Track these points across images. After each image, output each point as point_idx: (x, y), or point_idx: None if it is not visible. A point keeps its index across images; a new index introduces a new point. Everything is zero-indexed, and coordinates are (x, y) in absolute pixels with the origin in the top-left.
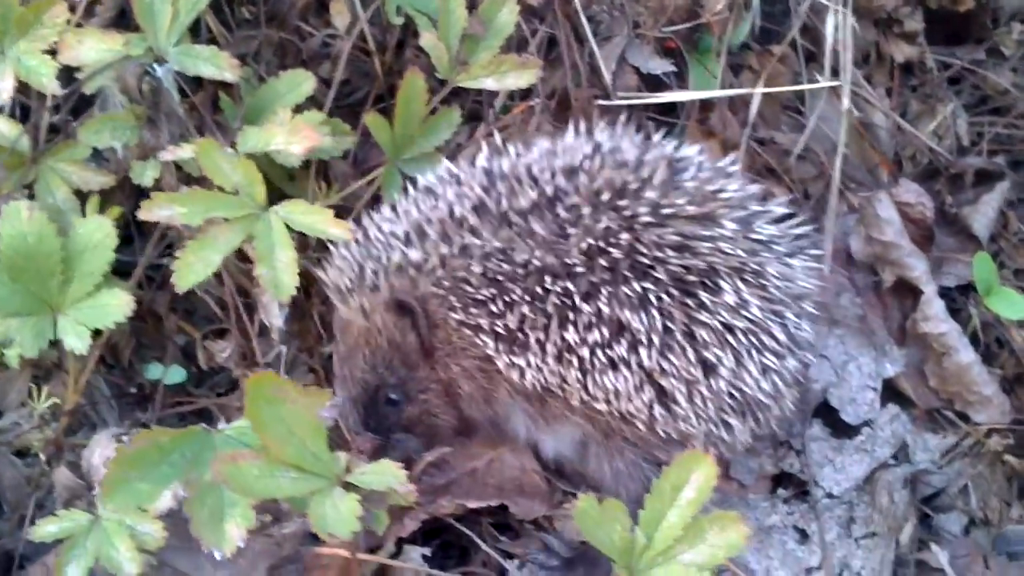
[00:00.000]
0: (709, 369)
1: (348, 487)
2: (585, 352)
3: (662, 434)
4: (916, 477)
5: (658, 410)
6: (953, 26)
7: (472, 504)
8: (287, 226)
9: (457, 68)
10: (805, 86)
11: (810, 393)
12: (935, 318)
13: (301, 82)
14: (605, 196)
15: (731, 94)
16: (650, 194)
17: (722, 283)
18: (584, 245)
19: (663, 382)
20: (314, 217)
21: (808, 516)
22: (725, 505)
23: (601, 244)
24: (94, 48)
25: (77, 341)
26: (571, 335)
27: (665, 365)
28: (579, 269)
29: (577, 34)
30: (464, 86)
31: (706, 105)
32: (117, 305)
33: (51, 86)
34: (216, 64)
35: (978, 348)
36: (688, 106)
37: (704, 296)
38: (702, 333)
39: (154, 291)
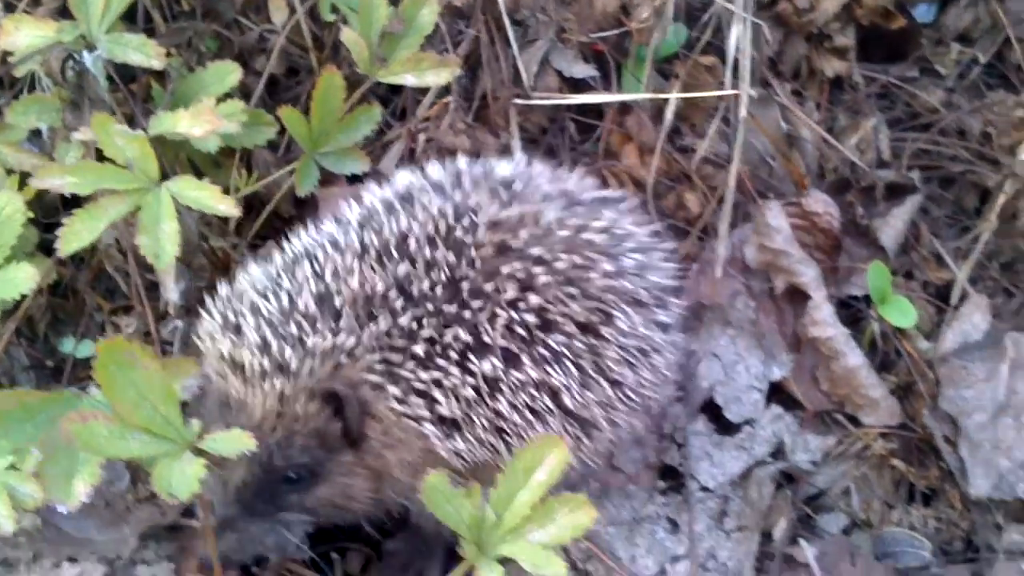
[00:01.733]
0: (617, 386)
1: (198, 452)
2: (516, 417)
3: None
4: (798, 477)
5: (584, 440)
6: (891, 44)
7: None
8: (175, 200)
9: (377, 64)
10: (704, 93)
11: (697, 391)
12: (823, 323)
13: (228, 73)
14: (498, 263)
15: (644, 97)
16: (535, 251)
17: (614, 313)
18: (498, 319)
19: (585, 415)
20: (202, 192)
21: (681, 507)
22: (606, 495)
23: (512, 315)
24: (29, 34)
25: None
26: (502, 405)
27: (585, 400)
28: (501, 342)
29: (502, 36)
30: (385, 82)
31: (627, 110)
32: (24, 278)
33: None
34: (144, 52)
35: (876, 356)
36: (608, 110)
37: (604, 330)
38: (607, 362)
39: (75, 268)
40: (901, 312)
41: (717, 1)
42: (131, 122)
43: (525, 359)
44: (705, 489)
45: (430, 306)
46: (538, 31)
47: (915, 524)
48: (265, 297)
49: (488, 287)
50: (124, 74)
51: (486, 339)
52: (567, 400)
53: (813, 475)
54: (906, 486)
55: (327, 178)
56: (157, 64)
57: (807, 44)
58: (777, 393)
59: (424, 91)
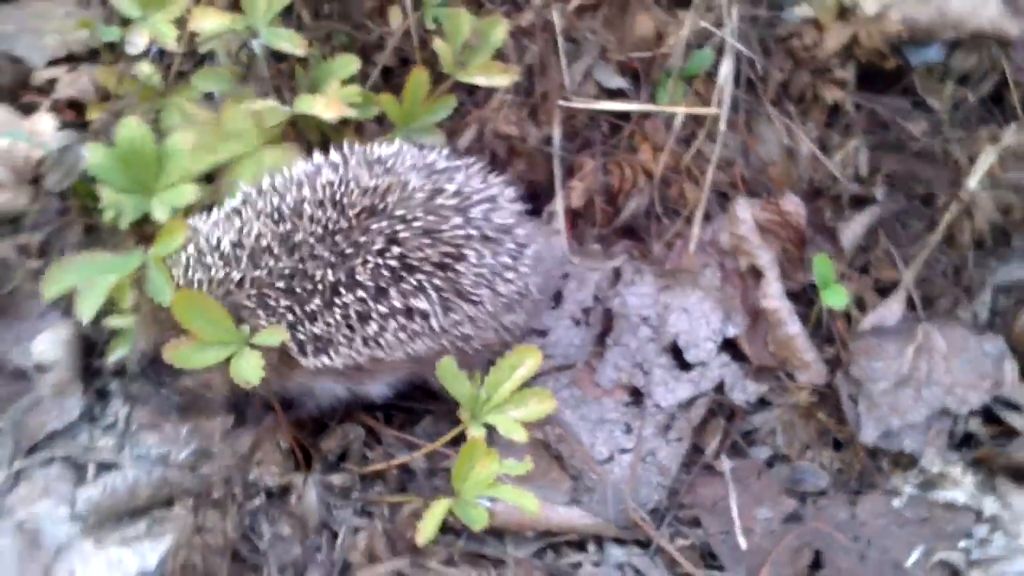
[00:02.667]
0: (476, 304)
1: (252, 347)
2: (389, 336)
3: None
4: (736, 412)
5: (460, 343)
6: (887, 77)
7: None
8: None
9: (458, 67)
10: (696, 110)
11: (666, 334)
12: (772, 296)
13: (350, 63)
14: (370, 222)
15: (656, 109)
16: (400, 211)
17: (465, 252)
18: (368, 263)
19: (454, 330)
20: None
21: (637, 417)
22: (584, 401)
23: (380, 260)
24: (211, 21)
25: (162, 214)
26: (371, 328)
27: (451, 320)
28: (368, 281)
29: (555, 51)
30: (461, 80)
31: (647, 116)
32: (189, 191)
33: (171, 45)
34: (292, 43)
35: (820, 330)
36: (633, 115)
37: (457, 265)
38: (465, 287)
39: None
40: (836, 296)
41: (724, 37)
42: (279, 95)
43: (392, 292)
44: (657, 407)
45: (307, 252)
46: (585, 48)
47: (824, 463)
48: (207, 239)
49: (361, 239)
50: (278, 56)
51: (358, 278)
52: (434, 321)
53: (749, 414)
54: (825, 434)
55: None
56: (301, 52)
57: (811, 74)
58: (730, 348)
59: (491, 89)
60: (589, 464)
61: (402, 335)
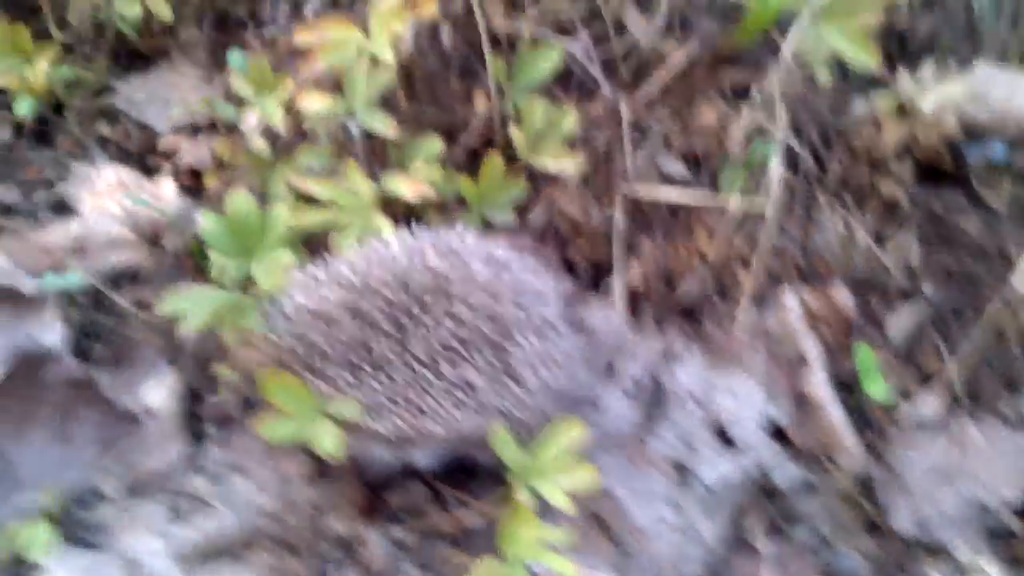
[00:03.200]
0: (521, 385)
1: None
2: (433, 403)
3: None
4: (777, 493)
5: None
6: (944, 172)
7: None
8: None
9: (530, 152)
10: (740, 201)
11: (711, 412)
12: (816, 383)
13: (434, 144)
14: (431, 299)
15: (713, 199)
16: (459, 292)
17: (517, 336)
18: (424, 336)
19: (500, 405)
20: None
21: (680, 490)
22: (631, 474)
23: (435, 334)
24: (315, 103)
25: (263, 277)
26: (422, 396)
27: (498, 397)
28: (421, 353)
29: (621, 139)
30: (533, 165)
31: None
32: (286, 256)
33: (279, 124)
34: (384, 125)
35: (862, 418)
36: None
37: (509, 347)
38: (513, 368)
39: None
40: (877, 386)
41: (776, 133)
42: (372, 170)
43: (443, 362)
44: (702, 483)
45: (367, 321)
46: (650, 137)
47: (861, 549)
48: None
49: (419, 313)
50: (371, 135)
51: (411, 348)
52: (482, 395)
53: (790, 496)
54: (864, 520)
55: (486, 224)
56: (392, 134)
57: (869, 168)
58: (775, 431)
59: (560, 173)
60: (633, 534)
61: (448, 405)
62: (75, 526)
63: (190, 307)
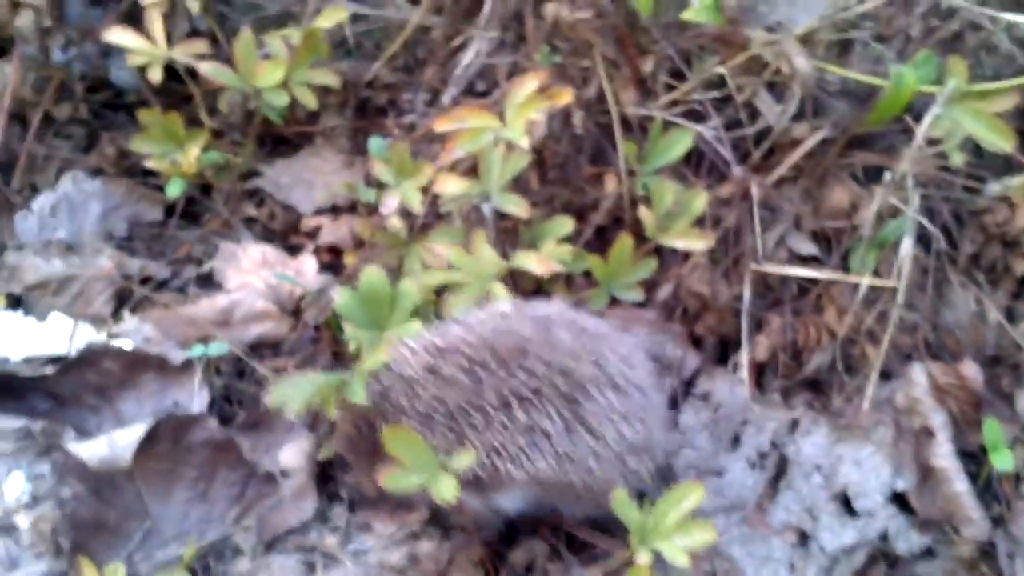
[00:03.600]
0: (597, 439)
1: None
2: (511, 447)
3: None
4: (900, 562)
5: (584, 476)
6: None
7: None
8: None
9: (659, 231)
10: (870, 281)
11: (835, 484)
12: (942, 456)
13: (565, 224)
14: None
15: (839, 278)
16: (542, 354)
17: (592, 392)
18: (502, 387)
19: (577, 458)
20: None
21: (801, 557)
22: (752, 540)
23: (513, 385)
24: (452, 186)
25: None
26: (497, 438)
27: (573, 448)
28: (496, 400)
29: (752, 228)
30: (662, 244)
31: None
32: (415, 326)
33: (417, 207)
34: (518, 207)
35: (989, 491)
36: (822, 280)
37: (584, 402)
38: (587, 421)
39: None
40: (1003, 459)
41: (908, 214)
42: (502, 249)
43: (518, 409)
44: (822, 550)
45: (450, 380)
46: (780, 216)
47: None
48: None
49: (501, 373)
50: (503, 215)
51: (487, 397)
52: (556, 443)
53: (912, 563)
54: None
55: (614, 301)
56: (524, 215)
57: (1002, 247)
58: (898, 501)
59: (689, 253)
60: None
61: (525, 450)
62: None
63: (291, 393)
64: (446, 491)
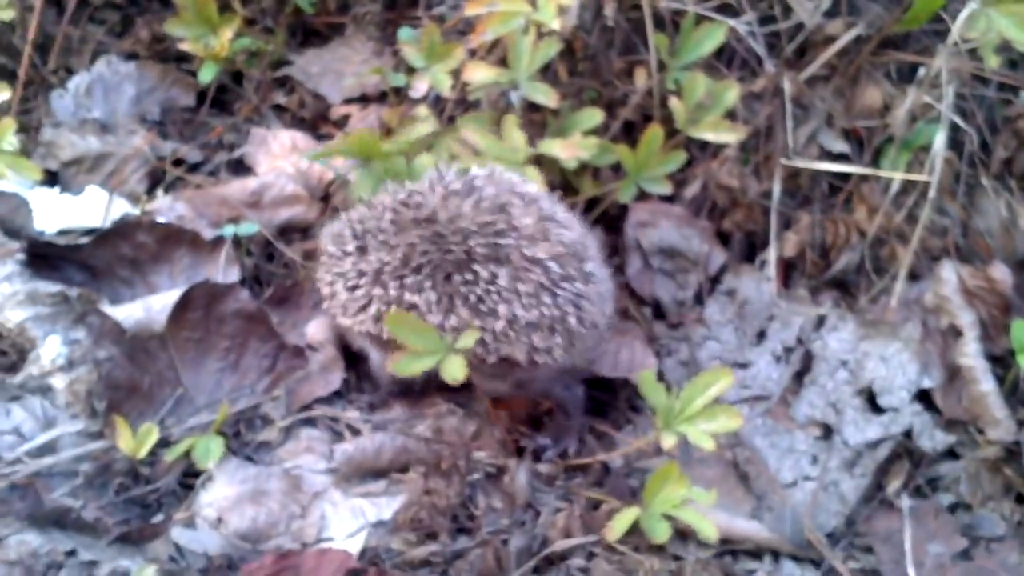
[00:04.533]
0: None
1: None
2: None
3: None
4: (922, 458)
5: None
6: None
7: None
8: None
9: (689, 124)
10: (902, 175)
11: (861, 379)
12: (969, 355)
13: (593, 116)
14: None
15: (871, 172)
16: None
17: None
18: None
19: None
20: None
21: (824, 450)
22: (776, 430)
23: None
24: (481, 74)
25: None
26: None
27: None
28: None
29: (783, 115)
30: (691, 136)
31: (866, 179)
32: None
33: (447, 90)
34: (547, 96)
35: (1016, 393)
36: (853, 177)
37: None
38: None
39: None
40: None
41: (942, 111)
42: (530, 140)
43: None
44: (845, 443)
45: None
46: (812, 114)
47: (1004, 514)
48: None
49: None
50: (532, 106)
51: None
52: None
53: (935, 462)
54: (1009, 489)
55: (641, 195)
56: (554, 105)
57: None
58: (923, 399)
59: (719, 146)
60: (773, 486)
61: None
62: (242, 445)
63: None
64: (456, 370)
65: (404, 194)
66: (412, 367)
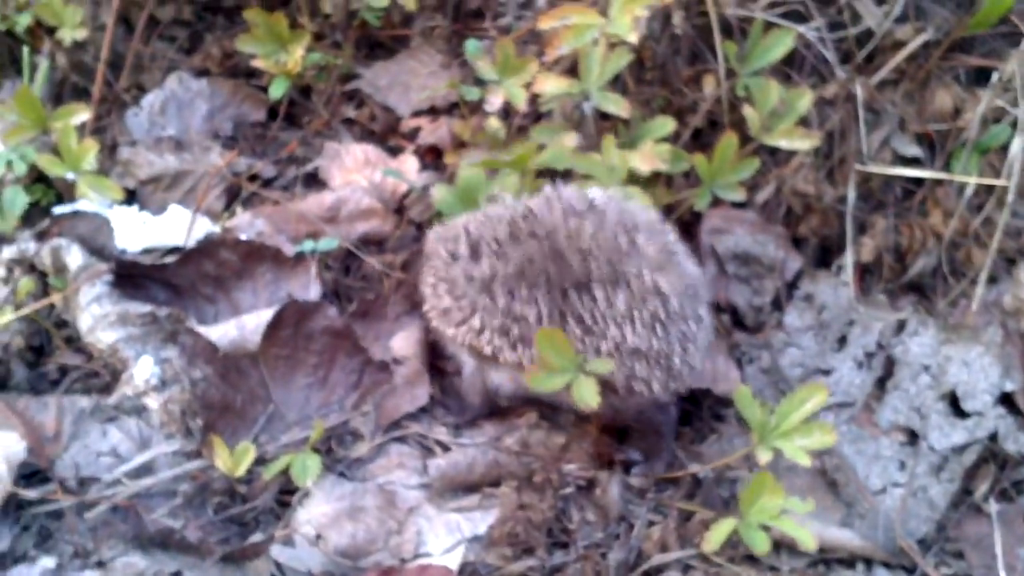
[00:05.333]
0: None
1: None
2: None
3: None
4: (1008, 461)
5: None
6: None
7: None
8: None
9: (763, 131)
10: (979, 180)
11: (944, 384)
12: None
13: (665, 124)
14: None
15: (946, 177)
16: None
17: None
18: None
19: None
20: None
21: (912, 456)
22: (863, 438)
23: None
24: (552, 85)
25: None
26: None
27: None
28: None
29: (856, 120)
30: (767, 143)
31: (940, 183)
32: None
33: (521, 104)
34: (618, 106)
35: None
36: (927, 181)
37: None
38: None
39: None
40: None
41: (1018, 116)
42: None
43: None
44: (932, 449)
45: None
46: (884, 119)
47: None
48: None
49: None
50: (604, 116)
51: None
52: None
53: (1021, 465)
54: None
55: (716, 201)
56: (625, 114)
57: None
58: (1007, 402)
59: (792, 152)
60: (863, 494)
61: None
62: (335, 461)
63: None
64: (588, 395)
65: (522, 207)
66: (548, 383)
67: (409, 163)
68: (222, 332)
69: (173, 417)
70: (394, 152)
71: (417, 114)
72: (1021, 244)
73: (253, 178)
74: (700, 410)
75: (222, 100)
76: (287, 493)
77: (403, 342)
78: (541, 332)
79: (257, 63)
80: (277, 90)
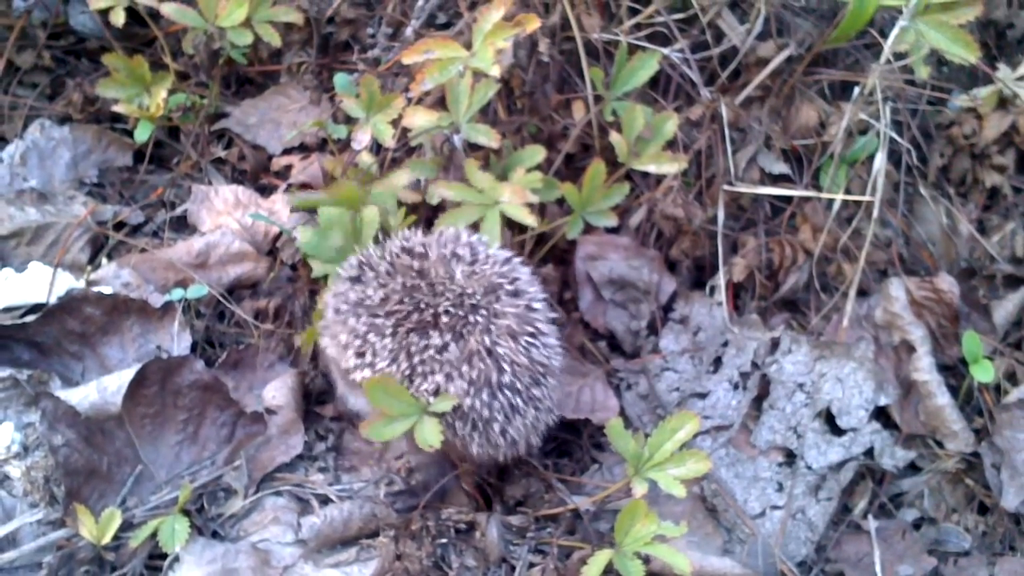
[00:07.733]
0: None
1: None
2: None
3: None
4: (885, 477)
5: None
6: None
7: None
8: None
9: (632, 156)
10: (844, 197)
11: (820, 401)
12: (923, 370)
13: (536, 153)
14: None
15: (813, 195)
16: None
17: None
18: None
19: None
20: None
21: (789, 477)
22: (739, 461)
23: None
24: (421, 119)
25: None
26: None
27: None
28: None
29: (722, 140)
30: (635, 168)
31: (807, 199)
32: None
33: (388, 141)
34: (488, 137)
35: (971, 403)
36: (795, 197)
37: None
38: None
39: None
40: (984, 371)
41: (880, 129)
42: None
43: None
44: (809, 468)
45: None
46: (750, 137)
47: (968, 526)
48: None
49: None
50: (475, 147)
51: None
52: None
53: (897, 478)
54: (971, 499)
55: (588, 228)
56: (495, 145)
57: (971, 160)
58: (881, 416)
59: (661, 176)
60: (742, 518)
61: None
62: (207, 520)
63: None
64: (431, 436)
65: (412, 242)
66: (388, 432)
67: (280, 203)
68: (83, 395)
69: (36, 485)
70: (266, 191)
71: (288, 151)
72: (888, 253)
73: (120, 226)
74: (580, 439)
75: (86, 146)
76: (158, 558)
77: (276, 391)
78: (372, 381)
79: (120, 108)
80: (142, 134)
